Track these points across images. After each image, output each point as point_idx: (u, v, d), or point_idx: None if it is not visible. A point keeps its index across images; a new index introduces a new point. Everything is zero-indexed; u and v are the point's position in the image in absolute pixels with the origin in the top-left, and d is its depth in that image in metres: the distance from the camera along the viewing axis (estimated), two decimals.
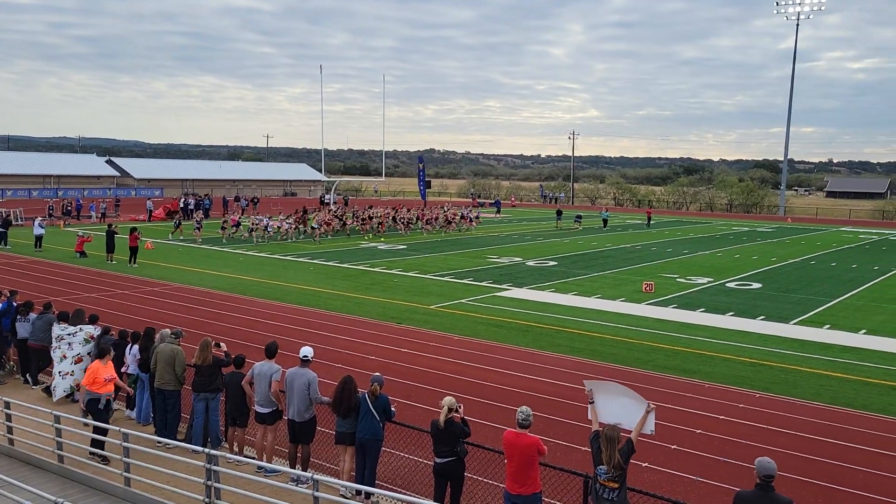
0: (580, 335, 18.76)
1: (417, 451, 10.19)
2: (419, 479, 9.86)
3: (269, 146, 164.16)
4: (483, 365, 15.82)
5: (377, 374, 9.57)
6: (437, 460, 8.53)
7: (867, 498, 9.68)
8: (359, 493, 9.07)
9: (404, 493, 9.06)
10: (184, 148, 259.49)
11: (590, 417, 7.94)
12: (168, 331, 11.32)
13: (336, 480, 9.19)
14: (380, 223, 46.31)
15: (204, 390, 10.51)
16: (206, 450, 8.53)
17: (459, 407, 8.60)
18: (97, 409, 10.43)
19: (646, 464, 10.41)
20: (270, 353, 10.31)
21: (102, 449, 10.15)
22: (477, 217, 52.55)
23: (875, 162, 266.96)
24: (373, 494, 9.05)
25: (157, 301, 22.47)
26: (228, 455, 9.00)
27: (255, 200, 61.16)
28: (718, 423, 12.40)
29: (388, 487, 9.59)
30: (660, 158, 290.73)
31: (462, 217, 50.74)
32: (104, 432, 10.23)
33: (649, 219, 60.29)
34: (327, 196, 70.21)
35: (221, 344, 11.25)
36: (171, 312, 20.56)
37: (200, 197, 58.89)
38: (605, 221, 55.95)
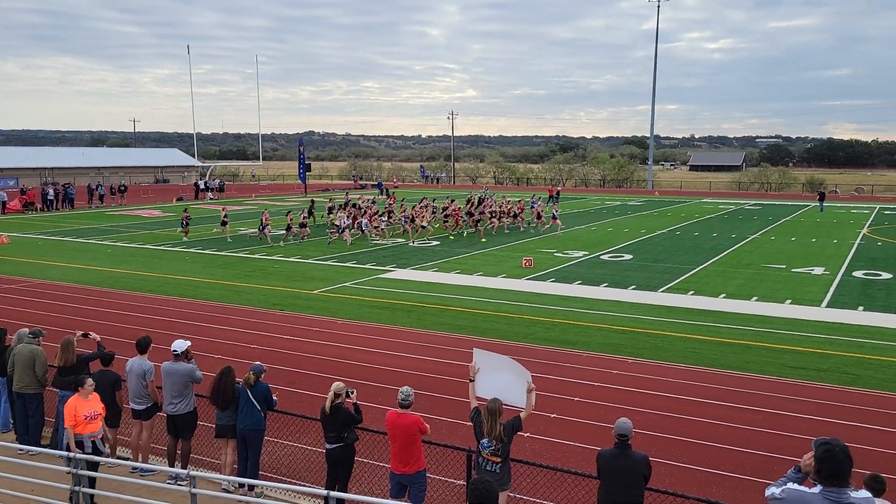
0: (463, 313, 19.08)
1: (304, 438, 10.08)
2: (307, 467, 9.76)
3: (136, 131, 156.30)
4: (368, 347, 15.80)
5: (257, 363, 9.36)
6: (327, 446, 8.46)
7: (726, 450, 10.44)
8: (241, 485, 8.87)
9: (290, 483, 8.95)
10: (41, 134, 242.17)
11: (471, 395, 8.08)
12: (26, 331, 10.58)
13: (216, 475, 8.94)
14: (446, 216, 38.01)
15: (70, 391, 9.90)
16: (70, 453, 8.05)
17: (352, 392, 8.49)
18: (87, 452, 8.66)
19: (528, 434, 10.76)
20: (142, 347, 9.85)
21: None
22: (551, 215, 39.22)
23: (732, 137, 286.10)
24: (256, 486, 8.89)
25: (14, 299, 20.93)
26: (99, 458, 8.54)
27: (123, 189, 57.83)
28: (595, 390, 12.99)
29: (273, 478, 9.45)
30: (536, 137, 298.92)
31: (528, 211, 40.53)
32: None
33: (556, 195, 60.94)
34: (201, 182, 67.56)
35: (91, 334, 10.61)
36: (31, 311, 19.22)
37: (64, 186, 55.03)
38: (481, 200, 56.74)
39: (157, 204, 55.94)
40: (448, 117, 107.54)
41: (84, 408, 8.64)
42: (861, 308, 19.59)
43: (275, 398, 9.25)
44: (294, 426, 10.05)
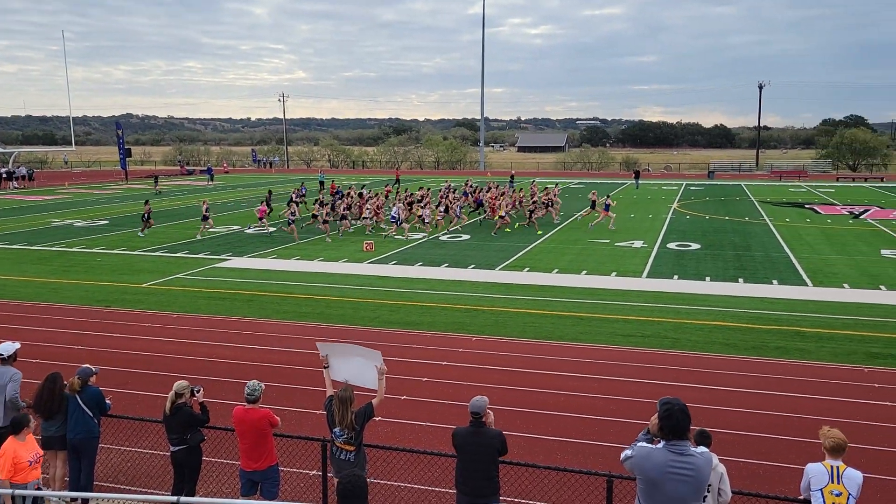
0: (307, 300, 18.72)
1: (143, 442, 9.47)
2: (150, 473, 9.19)
3: None
4: (208, 341, 15.09)
5: (85, 365, 8.63)
6: (171, 449, 7.99)
7: (570, 417, 11.04)
8: (74, 500, 8.19)
9: (131, 491, 8.39)
10: None
11: (326, 382, 7.95)
12: None
13: (45, 492, 8.17)
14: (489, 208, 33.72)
15: None
16: None
17: (198, 391, 8.03)
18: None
19: (379, 418, 10.77)
20: None
21: None
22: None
23: (555, 119, 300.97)
24: (90, 500, 8.23)
25: None
26: None
27: None
28: (442, 369, 13.24)
29: (112, 488, 8.80)
30: (370, 119, 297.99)
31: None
32: None
33: (398, 179, 61.00)
34: (3, 169, 61.19)
35: None
36: None
37: None
38: (321, 184, 56.06)
39: None
40: (279, 99, 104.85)
41: (25, 452, 7.35)
42: (676, 277, 21.39)
43: (108, 402, 8.60)
44: (131, 430, 9.41)
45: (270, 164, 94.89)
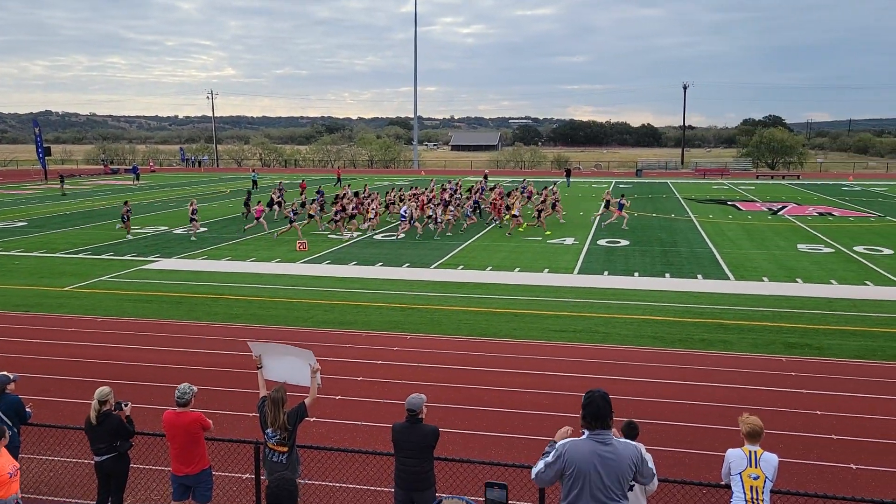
0: (238, 301, 18.38)
1: (66, 451, 9.15)
2: (73, 482, 8.88)
3: None
4: (135, 345, 14.66)
5: (3, 373, 8.28)
6: (96, 458, 7.72)
7: (502, 412, 11.18)
8: None
9: (53, 501, 8.10)
10: None
11: (260, 383, 7.85)
12: None
13: None
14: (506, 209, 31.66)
15: None
16: None
17: (126, 405, 7.74)
18: None
19: (314, 418, 10.69)
20: None
21: None
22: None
23: (488, 118, 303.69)
24: None
25: None
26: None
27: None
28: (377, 368, 13.22)
29: (33, 499, 8.48)
30: (302, 118, 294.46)
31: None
32: None
33: (339, 178, 60.17)
34: None
35: None
36: None
37: None
38: (254, 183, 55.13)
39: None
40: (207, 97, 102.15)
41: (5, 464, 6.79)
42: (606, 273, 21.89)
43: (28, 410, 8.27)
44: (54, 439, 9.08)
45: (199, 162, 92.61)
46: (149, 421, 9.66)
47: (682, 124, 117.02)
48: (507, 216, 31.48)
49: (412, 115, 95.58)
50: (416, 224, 29.82)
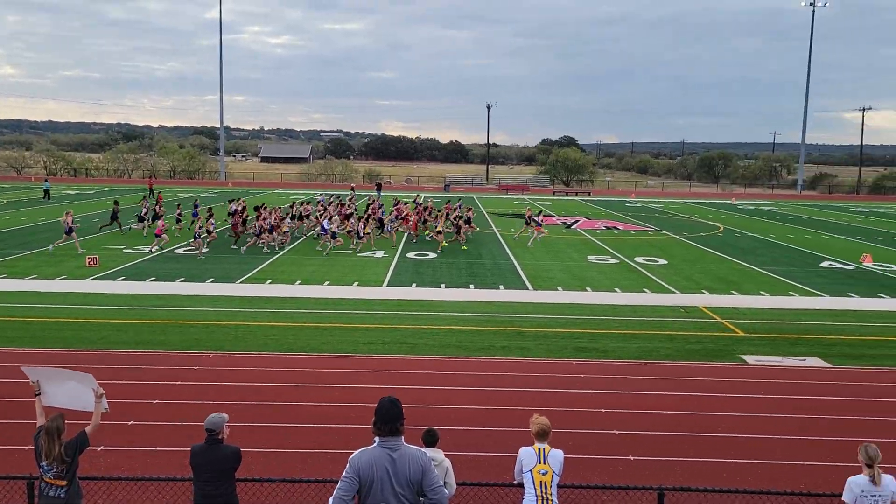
0: (12, 322, 16.63)
1: None
2: None
3: None
4: None
5: None
6: None
7: (308, 428, 11.04)
8: None
9: None
10: None
11: (38, 411, 7.14)
12: None
13: None
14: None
15: None
16: None
17: None
18: None
19: (101, 447, 9.91)
20: None
21: None
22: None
23: (299, 130, 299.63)
24: None
25: None
26: None
27: None
28: (175, 389, 12.53)
29: None
30: (95, 124, 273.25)
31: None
32: None
33: (151, 189, 55.18)
34: None
35: None
36: None
37: None
38: (46, 192, 50.31)
39: None
40: None
41: None
42: (414, 285, 22.39)
43: None
44: None
45: None
46: None
47: (486, 142, 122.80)
48: (428, 233, 31.99)
49: (218, 125, 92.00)
50: (339, 239, 29.02)
